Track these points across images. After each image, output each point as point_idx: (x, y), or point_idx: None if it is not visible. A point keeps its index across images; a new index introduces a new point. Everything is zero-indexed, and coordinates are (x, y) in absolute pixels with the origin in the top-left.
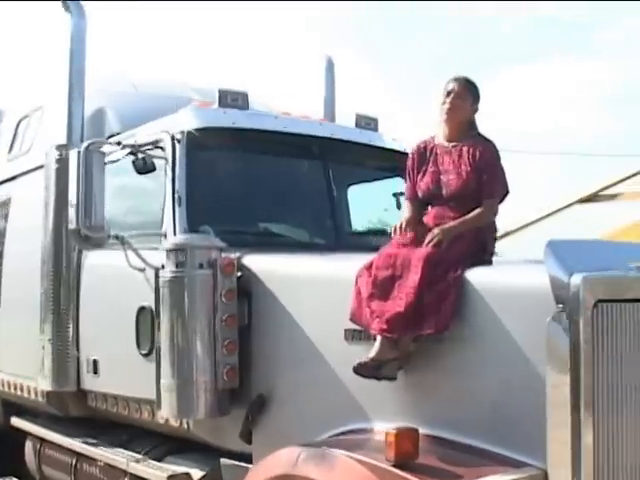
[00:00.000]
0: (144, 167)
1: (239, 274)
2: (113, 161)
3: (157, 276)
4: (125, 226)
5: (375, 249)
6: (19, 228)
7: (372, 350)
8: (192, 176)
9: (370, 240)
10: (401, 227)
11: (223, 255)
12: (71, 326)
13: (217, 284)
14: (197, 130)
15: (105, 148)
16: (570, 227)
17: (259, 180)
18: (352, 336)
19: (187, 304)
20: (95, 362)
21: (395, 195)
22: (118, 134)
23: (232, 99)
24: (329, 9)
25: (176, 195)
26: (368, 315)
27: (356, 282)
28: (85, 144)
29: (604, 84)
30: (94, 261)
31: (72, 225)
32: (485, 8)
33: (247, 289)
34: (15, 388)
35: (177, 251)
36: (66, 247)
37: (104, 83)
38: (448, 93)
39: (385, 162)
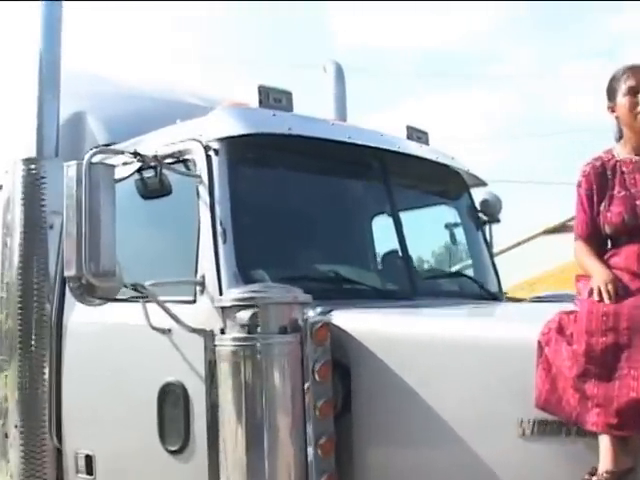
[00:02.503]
0: (158, 189)
1: None
2: (120, 179)
3: (209, 345)
4: (135, 272)
5: (455, 295)
6: None
7: (602, 459)
8: (239, 201)
9: (441, 285)
10: (607, 290)
11: (311, 313)
12: (47, 407)
13: (307, 355)
14: (243, 137)
15: (113, 160)
16: None
17: (322, 207)
18: (533, 429)
19: (262, 385)
20: (89, 459)
21: (448, 227)
22: (106, 145)
23: (275, 99)
24: None
25: (219, 228)
26: (576, 402)
27: (541, 352)
28: (89, 154)
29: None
30: (82, 318)
31: (69, 271)
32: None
33: (343, 361)
34: None
35: (244, 308)
36: (37, 299)
37: (82, 84)
38: (635, 91)
39: (444, 185)
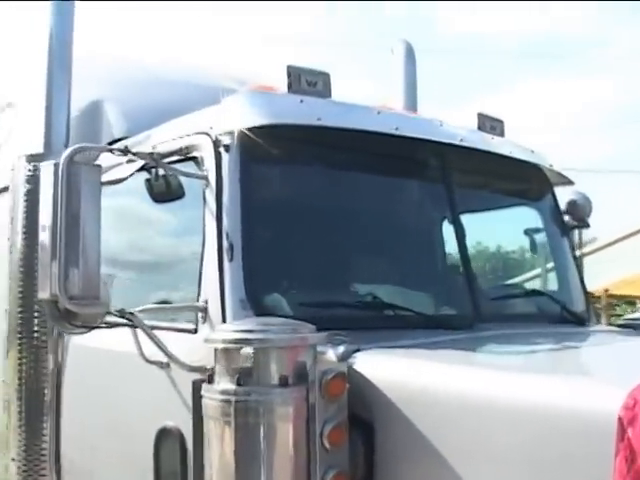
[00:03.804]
0: (166, 192)
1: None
2: (111, 182)
3: (195, 390)
4: (131, 294)
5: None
6: None
7: None
8: (251, 208)
9: (513, 306)
10: None
11: (328, 356)
12: (47, 437)
13: (315, 415)
14: (258, 129)
15: (102, 159)
16: None
17: (359, 215)
18: None
19: (255, 452)
20: None
21: (528, 233)
22: (123, 139)
23: (308, 82)
24: None
25: (225, 241)
26: None
27: (622, 433)
28: (67, 152)
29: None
30: (83, 340)
31: (43, 293)
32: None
33: (365, 417)
34: None
35: (233, 351)
36: (38, 317)
37: (101, 68)
38: None
39: (519, 183)
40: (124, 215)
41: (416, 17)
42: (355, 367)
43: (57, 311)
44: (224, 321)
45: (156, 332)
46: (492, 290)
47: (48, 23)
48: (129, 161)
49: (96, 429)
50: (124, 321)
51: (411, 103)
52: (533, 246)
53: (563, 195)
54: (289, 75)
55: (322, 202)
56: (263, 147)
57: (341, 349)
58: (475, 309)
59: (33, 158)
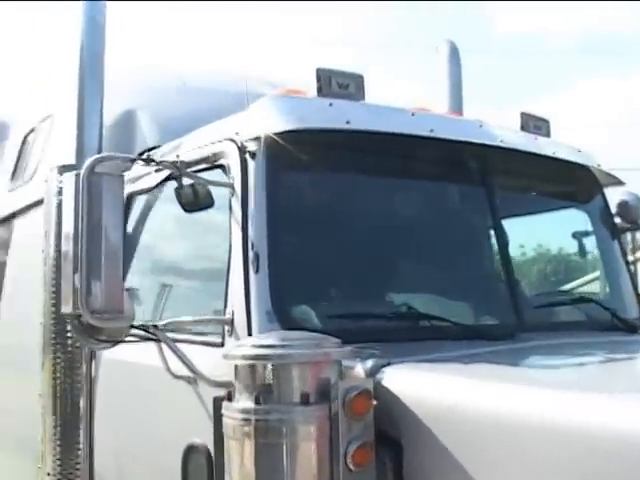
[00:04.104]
0: (195, 201)
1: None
2: (140, 191)
3: (216, 408)
4: (160, 305)
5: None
6: (14, 293)
7: None
8: (278, 216)
9: (559, 314)
10: None
11: (354, 371)
12: (82, 451)
13: (339, 434)
14: (285, 134)
15: (125, 169)
16: None
17: (392, 221)
18: None
19: (279, 472)
20: None
21: (576, 236)
22: (157, 147)
23: (340, 84)
24: None
25: (250, 252)
26: None
27: None
28: (88, 162)
29: None
30: (113, 353)
31: (66, 307)
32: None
33: (393, 434)
34: None
35: (252, 367)
36: (71, 330)
37: (135, 77)
38: None
39: (565, 185)
40: (167, 225)
41: (473, 16)
42: (383, 383)
43: (80, 325)
44: (250, 334)
45: (183, 345)
46: (536, 297)
47: (79, 34)
48: (157, 170)
49: (127, 444)
50: (148, 335)
51: (456, 104)
52: (581, 250)
53: (614, 196)
54: (319, 78)
55: (352, 209)
56: (290, 153)
57: (369, 364)
58: (518, 318)
59: (65, 169)
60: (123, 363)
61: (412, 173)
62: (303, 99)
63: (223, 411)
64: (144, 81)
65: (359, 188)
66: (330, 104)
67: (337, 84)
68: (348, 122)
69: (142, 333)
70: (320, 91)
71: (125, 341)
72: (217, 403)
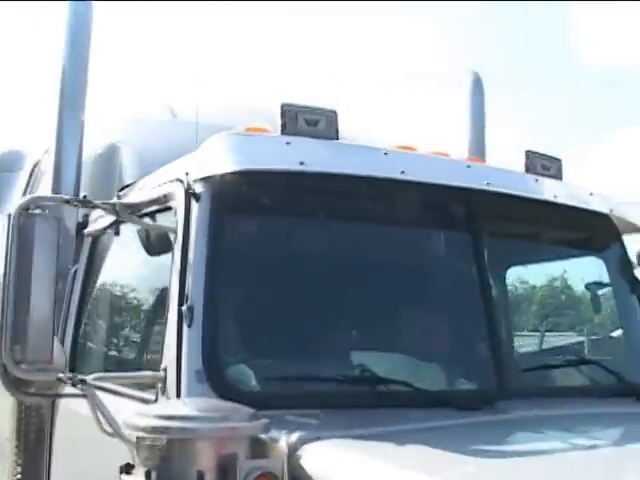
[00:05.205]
0: (154, 244)
1: None
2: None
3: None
4: (100, 359)
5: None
6: None
7: None
8: (218, 265)
9: (553, 378)
10: None
11: (277, 445)
12: None
13: None
14: (233, 175)
15: (65, 210)
16: None
17: (346, 272)
18: None
19: None
20: None
21: (590, 287)
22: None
23: (308, 121)
24: None
25: (185, 304)
26: None
27: None
28: (21, 202)
29: None
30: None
31: None
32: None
33: None
34: None
35: (150, 440)
36: None
37: (121, 109)
38: None
39: (573, 231)
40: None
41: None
42: (301, 462)
43: (7, 376)
44: (178, 395)
45: (119, 399)
46: (525, 358)
47: (60, 67)
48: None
49: None
50: (75, 390)
51: (477, 136)
52: (586, 304)
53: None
54: (283, 115)
55: (302, 258)
56: (237, 196)
57: (294, 437)
58: (499, 383)
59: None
60: (70, 411)
61: (375, 219)
62: (257, 137)
63: None
64: (131, 113)
65: (310, 235)
66: (287, 142)
67: (305, 121)
68: (302, 163)
69: (69, 387)
70: (284, 128)
71: (56, 396)
72: (121, 472)
